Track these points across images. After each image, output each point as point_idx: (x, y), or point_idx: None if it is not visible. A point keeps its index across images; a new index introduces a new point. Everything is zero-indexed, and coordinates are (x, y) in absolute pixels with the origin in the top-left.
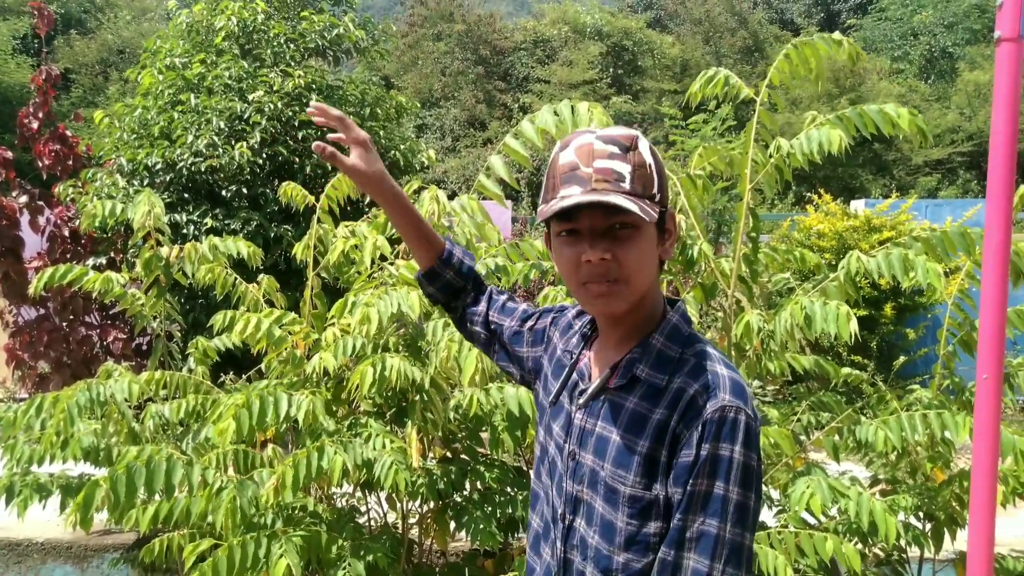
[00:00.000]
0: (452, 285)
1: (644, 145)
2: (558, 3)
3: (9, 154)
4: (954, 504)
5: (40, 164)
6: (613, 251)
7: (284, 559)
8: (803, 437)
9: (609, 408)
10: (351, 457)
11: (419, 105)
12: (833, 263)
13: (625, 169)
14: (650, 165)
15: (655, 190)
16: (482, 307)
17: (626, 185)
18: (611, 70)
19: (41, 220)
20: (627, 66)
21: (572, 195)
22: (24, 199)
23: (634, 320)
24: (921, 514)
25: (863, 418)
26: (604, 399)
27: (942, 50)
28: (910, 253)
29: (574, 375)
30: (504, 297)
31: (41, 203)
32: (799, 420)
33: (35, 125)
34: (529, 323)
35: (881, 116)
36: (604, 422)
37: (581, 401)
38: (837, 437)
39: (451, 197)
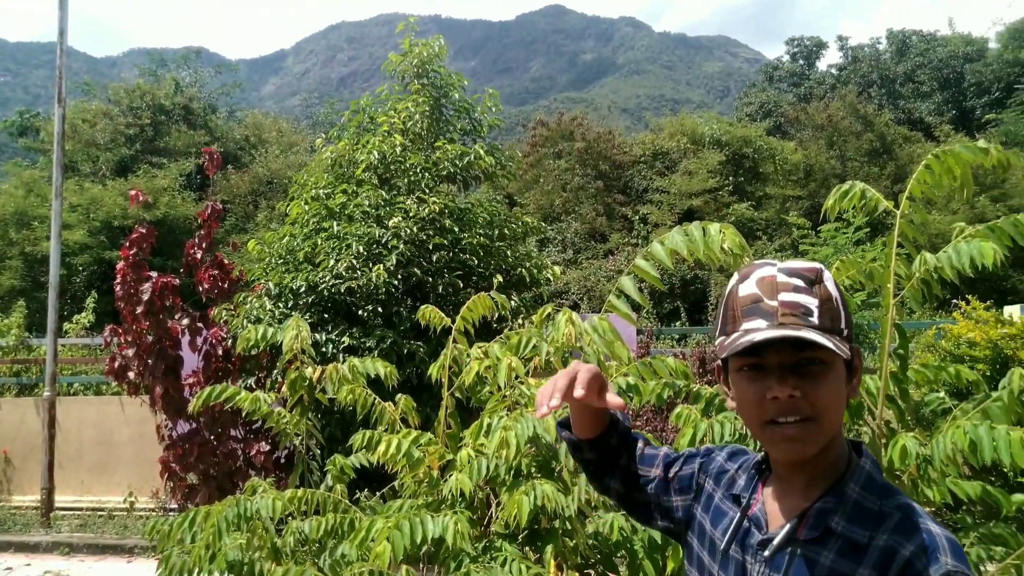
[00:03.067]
0: (614, 450)
1: (829, 278)
2: (675, 116)
3: (176, 281)
4: None
5: (201, 289)
6: (802, 388)
7: None
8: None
9: (800, 564)
10: None
11: (542, 222)
12: (988, 374)
13: (812, 303)
14: (836, 299)
15: (843, 325)
16: (623, 461)
17: (815, 319)
18: (731, 178)
19: (199, 341)
20: (748, 173)
21: (758, 329)
22: (186, 321)
23: (821, 464)
24: None
25: None
26: (792, 552)
27: None
28: None
29: (745, 522)
30: (641, 444)
31: (200, 325)
32: (967, 553)
33: (198, 254)
34: (672, 469)
35: None
36: None
37: (767, 554)
38: (1014, 575)
39: (572, 308)
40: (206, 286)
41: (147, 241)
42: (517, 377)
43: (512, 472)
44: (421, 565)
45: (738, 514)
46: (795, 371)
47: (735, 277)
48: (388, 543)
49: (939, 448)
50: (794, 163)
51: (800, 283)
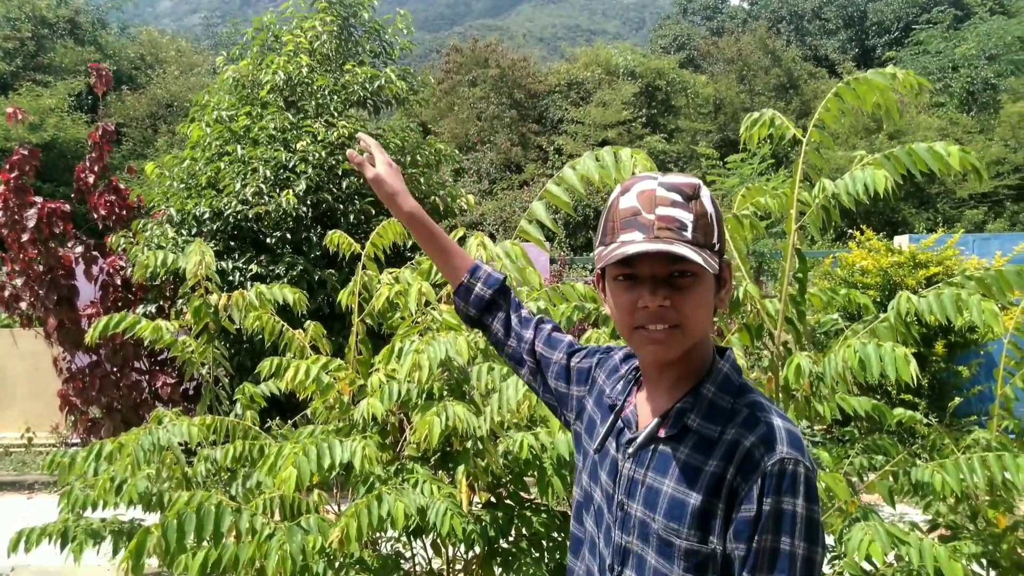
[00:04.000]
0: (481, 297)
1: (706, 194)
2: (590, 46)
3: (66, 207)
4: (1020, 551)
5: (95, 215)
6: (672, 298)
7: None
8: (855, 480)
9: (659, 459)
10: (409, 504)
11: (457, 150)
12: (878, 300)
13: (687, 218)
14: (711, 215)
15: (715, 240)
16: (529, 334)
17: (688, 234)
18: (645, 110)
19: (95, 270)
20: (660, 106)
21: (634, 241)
22: (80, 250)
23: (684, 368)
24: (985, 561)
25: (919, 461)
26: (654, 449)
27: (984, 82)
28: (963, 293)
29: (619, 422)
30: (550, 327)
31: (95, 253)
32: (851, 463)
33: (91, 179)
34: (574, 359)
35: (931, 154)
36: (654, 473)
37: (631, 451)
38: (892, 481)
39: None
40: (102, 212)
41: (30, 163)
42: (428, 303)
43: (424, 395)
44: (335, 491)
45: (613, 414)
46: (667, 282)
47: (617, 189)
48: (294, 468)
49: (831, 366)
50: (705, 96)
51: (678, 198)
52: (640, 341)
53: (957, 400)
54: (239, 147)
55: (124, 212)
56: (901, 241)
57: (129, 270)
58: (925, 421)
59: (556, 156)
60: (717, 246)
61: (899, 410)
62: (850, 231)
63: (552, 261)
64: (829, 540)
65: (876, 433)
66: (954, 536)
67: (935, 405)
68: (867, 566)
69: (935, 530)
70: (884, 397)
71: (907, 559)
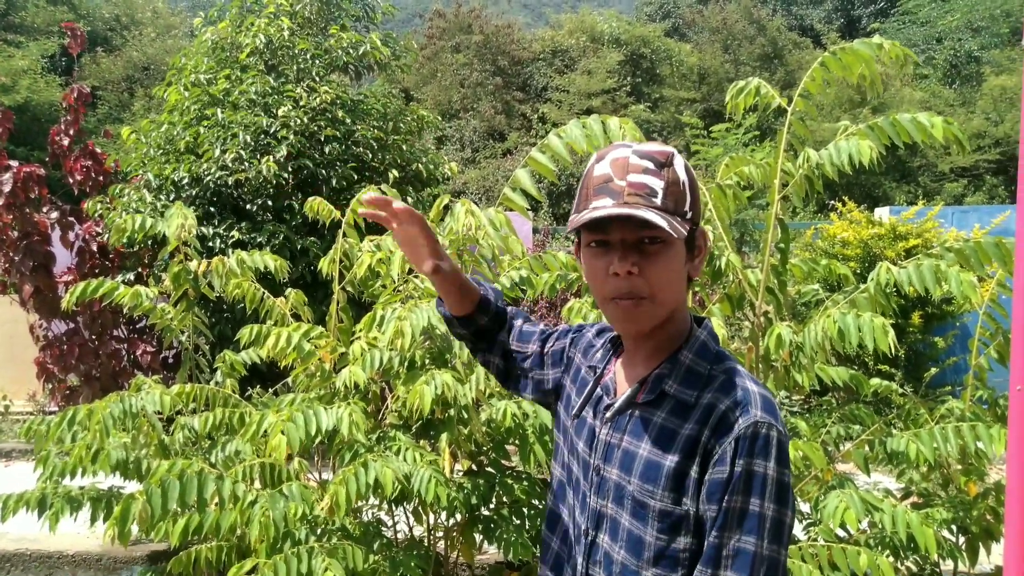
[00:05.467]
0: (486, 329)
1: (679, 162)
2: (575, 12)
3: (42, 171)
4: (989, 517)
5: (71, 180)
6: (641, 265)
7: (329, 573)
8: (832, 449)
9: (636, 423)
10: (396, 471)
11: (439, 117)
12: (858, 271)
13: (658, 185)
14: (683, 183)
15: (687, 207)
16: (502, 337)
17: (658, 201)
18: (629, 79)
19: (71, 235)
20: (645, 75)
21: (603, 207)
22: (55, 215)
23: (662, 336)
24: (955, 528)
25: (894, 430)
26: (631, 414)
27: (967, 54)
28: (942, 264)
29: (598, 390)
30: (520, 322)
31: (71, 219)
32: (828, 432)
33: (66, 142)
34: (548, 344)
35: (914, 125)
36: (631, 437)
37: (608, 415)
38: (867, 449)
39: None
40: (78, 177)
41: (3, 126)
42: (410, 270)
43: (406, 364)
44: (316, 459)
45: (592, 382)
46: (636, 248)
47: (594, 157)
48: (283, 436)
49: (810, 336)
50: (690, 66)
51: (650, 165)
52: (612, 313)
53: (933, 371)
54: (219, 111)
55: (101, 177)
56: (882, 213)
57: (106, 236)
58: (901, 391)
59: (540, 124)
60: (689, 214)
61: (876, 380)
62: (832, 203)
63: (535, 231)
64: (805, 507)
65: (853, 403)
66: (926, 503)
67: (911, 376)
68: (842, 532)
69: (908, 497)
70: (861, 368)
71: (881, 525)
